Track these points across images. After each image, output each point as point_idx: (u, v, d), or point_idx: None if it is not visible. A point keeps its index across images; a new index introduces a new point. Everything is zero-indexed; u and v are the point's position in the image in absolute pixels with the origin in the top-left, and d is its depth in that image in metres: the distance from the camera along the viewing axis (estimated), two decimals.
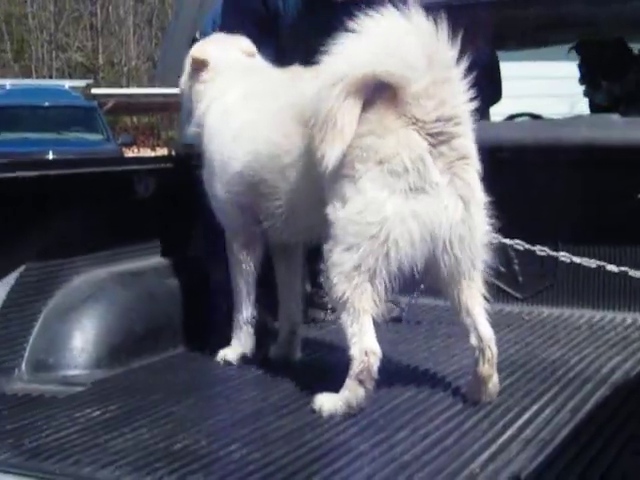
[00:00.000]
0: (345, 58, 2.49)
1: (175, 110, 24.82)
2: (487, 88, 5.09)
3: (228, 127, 3.09)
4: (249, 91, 3.11)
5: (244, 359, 3.19)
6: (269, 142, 2.89)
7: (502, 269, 3.98)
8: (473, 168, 2.61)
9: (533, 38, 5.45)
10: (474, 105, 2.57)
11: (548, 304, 3.93)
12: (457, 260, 2.61)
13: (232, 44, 3.32)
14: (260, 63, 3.32)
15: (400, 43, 2.48)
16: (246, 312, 3.22)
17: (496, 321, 3.67)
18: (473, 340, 2.70)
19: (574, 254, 3.71)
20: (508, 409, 2.57)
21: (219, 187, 3.10)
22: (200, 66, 3.26)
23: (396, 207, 2.47)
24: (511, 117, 5.57)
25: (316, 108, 2.52)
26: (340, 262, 2.53)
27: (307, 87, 2.66)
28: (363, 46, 2.49)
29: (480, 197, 2.65)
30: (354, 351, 2.54)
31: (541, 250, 3.69)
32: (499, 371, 2.95)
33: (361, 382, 2.53)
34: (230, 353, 3.20)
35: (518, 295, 4.01)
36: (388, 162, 2.48)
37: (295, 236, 3.05)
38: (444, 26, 2.48)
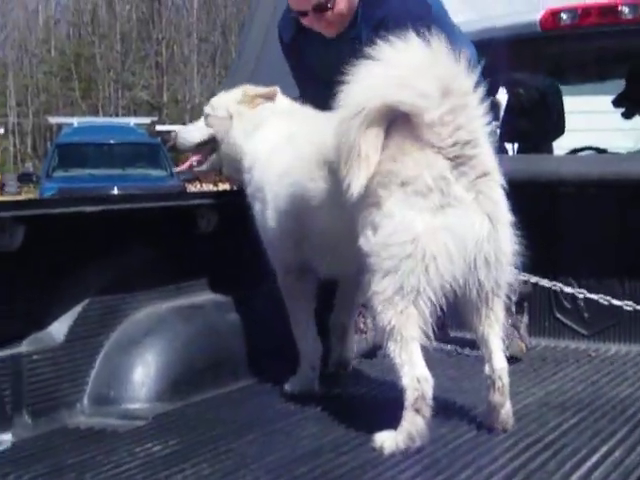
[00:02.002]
0: (362, 89, 2.53)
1: None
2: (550, 122, 5.06)
3: (275, 166, 3.15)
4: (293, 132, 3.17)
5: (307, 392, 3.17)
6: (310, 180, 2.93)
7: (567, 305, 3.91)
8: (497, 184, 2.61)
9: (597, 71, 5.39)
10: (490, 127, 2.60)
11: (615, 341, 3.84)
12: (481, 282, 2.59)
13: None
14: (297, 105, 3.41)
15: (414, 73, 2.51)
16: (307, 344, 3.22)
17: (562, 358, 3.64)
18: (486, 369, 2.71)
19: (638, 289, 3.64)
20: (576, 450, 2.49)
21: (269, 223, 3.15)
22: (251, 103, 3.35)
23: (426, 223, 2.48)
24: (575, 151, 5.50)
25: (339, 141, 2.56)
26: (381, 289, 2.53)
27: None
28: (378, 76, 2.53)
29: (506, 216, 2.64)
30: (406, 381, 2.52)
31: (603, 299, 3.63)
32: (565, 410, 2.90)
33: (418, 411, 2.50)
34: (293, 386, 3.20)
35: (584, 332, 3.93)
36: (411, 184, 2.50)
37: (342, 270, 3.07)
38: (462, 53, 2.51)
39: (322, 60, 3.36)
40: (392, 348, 2.55)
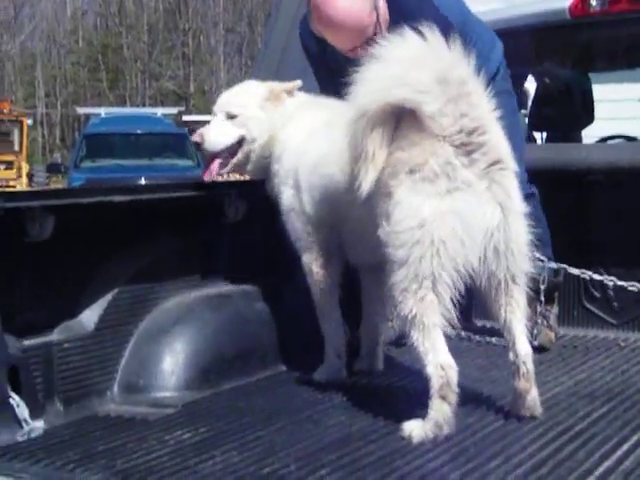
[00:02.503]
0: (364, 90, 2.60)
1: None
2: (579, 110, 5.02)
3: (310, 153, 3.19)
4: (324, 121, 3.20)
5: (335, 380, 3.19)
6: (343, 168, 2.94)
7: (596, 294, 3.89)
8: (510, 172, 2.64)
9: (627, 59, 5.34)
10: (499, 113, 2.63)
11: None
12: (493, 270, 2.63)
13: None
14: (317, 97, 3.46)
15: (410, 70, 2.55)
16: (331, 331, 3.26)
17: (591, 347, 3.62)
18: (511, 355, 2.73)
19: None
20: (606, 439, 2.48)
21: (304, 208, 3.19)
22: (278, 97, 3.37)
23: (433, 208, 2.51)
24: (604, 139, 5.46)
25: (349, 142, 2.65)
26: (400, 278, 2.56)
27: None
28: (377, 76, 2.59)
29: (519, 205, 2.67)
30: (430, 368, 2.55)
31: (634, 286, 3.60)
32: (594, 399, 2.89)
33: (444, 398, 2.52)
34: (320, 374, 3.24)
35: (613, 321, 3.90)
36: (419, 171, 2.54)
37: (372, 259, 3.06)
38: (456, 41, 2.55)
39: (346, 63, 3.34)
40: (415, 336, 2.57)
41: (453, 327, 2.56)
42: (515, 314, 2.71)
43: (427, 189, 2.52)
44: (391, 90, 2.54)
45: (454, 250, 2.51)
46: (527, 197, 3.52)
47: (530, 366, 2.71)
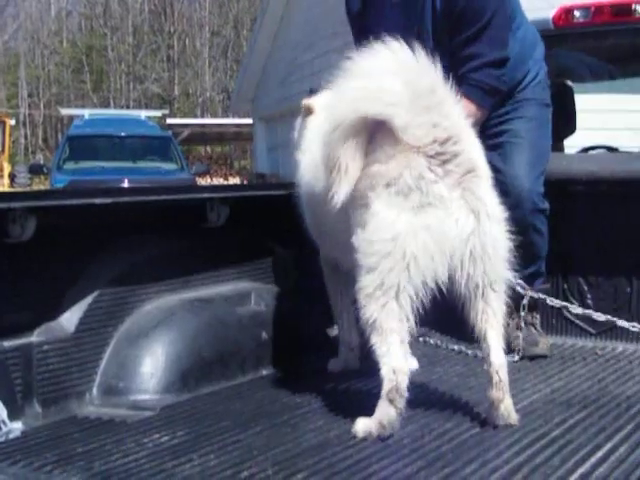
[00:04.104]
0: (338, 102, 2.67)
1: (248, 140, 25.16)
2: (561, 120, 5.06)
3: (301, 164, 3.27)
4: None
5: (343, 373, 3.38)
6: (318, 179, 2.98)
7: (575, 303, 3.92)
8: (482, 180, 2.68)
9: (610, 70, 5.38)
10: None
11: (622, 339, 3.85)
12: (470, 276, 2.67)
13: None
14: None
15: (379, 83, 2.60)
16: (341, 326, 3.45)
17: (568, 356, 3.65)
18: (485, 365, 2.77)
19: None
20: (581, 446, 2.50)
21: (306, 216, 3.31)
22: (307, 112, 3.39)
23: (406, 223, 2.57)
24: (586, 150, 5.49)
25: (323, 154, 2.70)
26: (366, 284, 2.62)
27: None
28: (348, 90, 2.65)
29: (494, 211, 2.70)
30: (383, 371, 2.62)
31: (598, 316, 3.66)
32: (571, 407, 2.91)
33: (391, 401, 2.59)
34: (333, 365, 3.46)
35: (591, 330, 3.93)
36: (394, 184, 2.59)
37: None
38: (424, 53, 2.60)
39: (387, 22, 3.39)
40: (374, 340, 2.64)
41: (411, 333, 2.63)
42: (491, 323, 2.74)
43: (401, 203, 2.58)
44: (362, 103, 2.59)
45: (424, 265, 2.58)
46: (537, 211, 3.59)
47: (503, 376, 2.73)
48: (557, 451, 2.47)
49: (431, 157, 2.59)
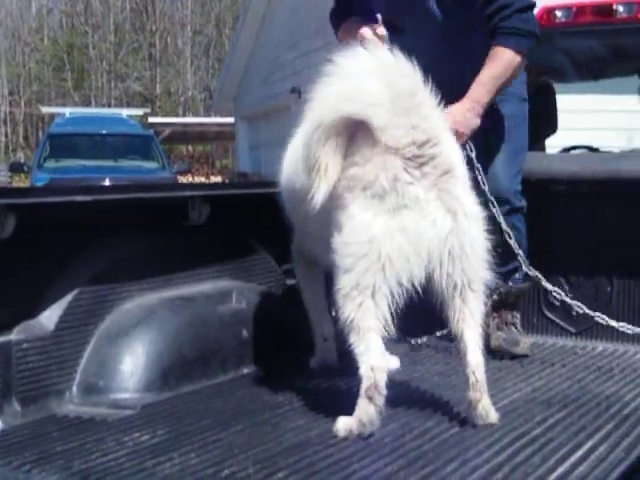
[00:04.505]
0: (317, 104, 2.68)
1: (230, 139, 25.12)
2: (542, 120, 5.08)
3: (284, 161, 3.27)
4: None
5: (326, 365, 3.40)
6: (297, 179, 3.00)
7: (556, 303, 3.93)
8: (459, 180, 2.70)
9: (591, 70, 5.40)
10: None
11: (602, 339, 3.86)
12: (449, 276, 2.69)
13: None
14: None
15: (360, 84, 2.62)
16: (314, 317, 3.43)
17: (549, 355, 3.66)
18: (463, 365, 2.78)
19: (629, 288, 3.67)
20: (561, 445, 2.52)
21: (288, 213, 3.31)
22: None
23: (382, 225, 2.60)
24: (567, 149, 5.52)
25: (303, 154, 2.73)
26: (342, 284, 2.65)
27: None
28: (329, 91, 2.65)
29: (472, 210, 2.72)
30: (362, 369, 2.63)
31: (578, 307, 3.66)
32: (551, 406, 2.92)
33: (370, 399, 2.60)
34: (313, 362, 3.48)
35: (572, 329, 3.95)
36: (370, 187, 2.61)
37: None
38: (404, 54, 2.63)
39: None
40: (352, 339, 2.66)
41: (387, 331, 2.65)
42: (468, 322, 2.75)
43: (377, 206, 2.60)
44: (344, 104, 2.60)
45: (399, 266, 2.60)
46: (515, 210, 3.60)
47: (480, 376, 2.74)
48: (537, 450, 2.48)
49: (408, 159, 2.60)
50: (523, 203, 3.67)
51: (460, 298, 2.73)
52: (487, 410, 2.73)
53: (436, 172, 2.63)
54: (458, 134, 3.10)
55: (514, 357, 3.62)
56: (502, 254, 3.16)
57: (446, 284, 2.70)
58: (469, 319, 2.75)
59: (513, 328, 3.74)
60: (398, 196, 2.59)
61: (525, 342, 3.71)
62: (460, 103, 3.30)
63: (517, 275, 3.73)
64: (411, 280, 2.63)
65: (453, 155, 2.71)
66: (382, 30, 3.36)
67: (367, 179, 2.61)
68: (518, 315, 3.81)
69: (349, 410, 2.66)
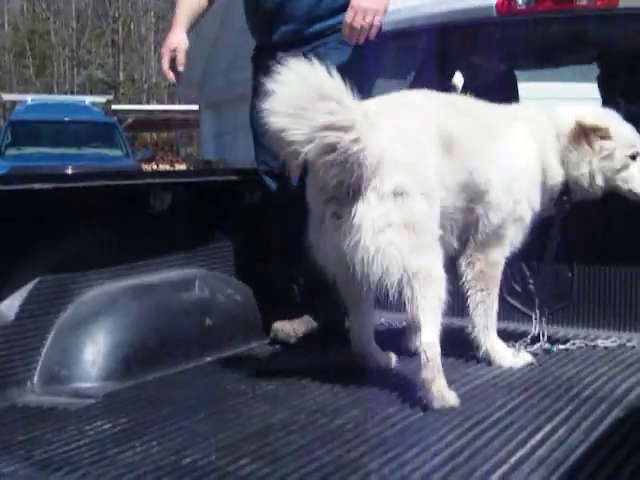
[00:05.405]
0: None
1: (194, 127, 24.97)
2: None
3: None
4: None
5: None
6: None
7: (518, 288, 3.96)
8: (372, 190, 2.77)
9: (552, 58, 5.43)
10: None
11: (563, 324, 3.90)
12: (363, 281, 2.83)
13: None
14: None
15: (278, 100, 2.63)
16: None
17: (511, 340, 3.68)
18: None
19: (588, 274, 3.72)
20: (521, 428, 2.54)
21: None
22: None
23: (314, 240, 2.90)
24: None
25: None
26: None
27: None
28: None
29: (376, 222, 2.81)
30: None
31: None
32: (512, 390, 2.95)
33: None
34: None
35: (533, 314, 3.97)
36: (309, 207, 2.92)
37: None
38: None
39: None
40: None
41: None
42: (422, 306, 2.79)
43: (314, 222, 2.89)
44: (274, 120, 2.63)
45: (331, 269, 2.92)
46: None
47: (431, 356, 2.76)
48: (498, 434, 2.50)
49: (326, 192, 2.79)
50: None
51: (400, 292, 2.80)
52: (442, 392, 2.75)
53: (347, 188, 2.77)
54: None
55: None
56: None
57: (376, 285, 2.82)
58: (423, 302, 2.78)
59: None
60: (319, 211, 2.88)
61: None
62: None
63: None
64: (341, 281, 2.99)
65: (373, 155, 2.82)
66: None
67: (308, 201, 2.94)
68: None
69: (311, 396, 2.66)
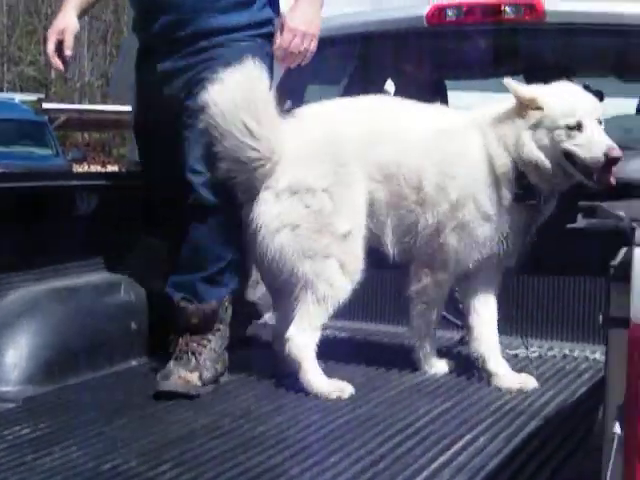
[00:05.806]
0: None
1: (127, 127, 24.70)
2: None
3: None
4: None
5: None
6: None
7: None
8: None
9: (480, 69, 5.51)
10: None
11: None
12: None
13: None
14: None
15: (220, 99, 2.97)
16: None
17: (437, 348, 3.72)
18: None
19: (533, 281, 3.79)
20: (443, 436, 2.56)
21: None
22: None
23: None
24: None
25: None
26: None
27: None
28: None
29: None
30: None
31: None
32: (435, 398, 2.98)
33: None
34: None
35: (458, 322, 4.01)
36: None
37: None
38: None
39: None
40: None
41: None
42: (301, 306, 3.03)
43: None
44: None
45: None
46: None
47: (292, 350, 2.99)
48: (420, 441, 2.52)
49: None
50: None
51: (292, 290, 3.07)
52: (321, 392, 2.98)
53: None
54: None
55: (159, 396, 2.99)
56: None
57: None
58: (304, 306, 3.03)
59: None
60: None
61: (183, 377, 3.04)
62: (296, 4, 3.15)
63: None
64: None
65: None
66: None
67: None
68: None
69: (233, 402, 2.65)
